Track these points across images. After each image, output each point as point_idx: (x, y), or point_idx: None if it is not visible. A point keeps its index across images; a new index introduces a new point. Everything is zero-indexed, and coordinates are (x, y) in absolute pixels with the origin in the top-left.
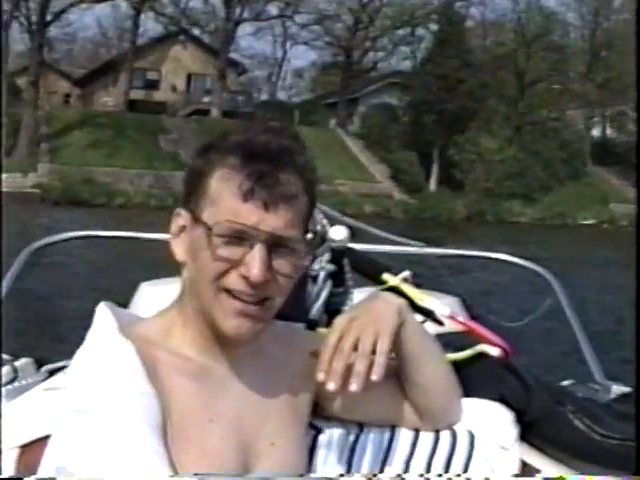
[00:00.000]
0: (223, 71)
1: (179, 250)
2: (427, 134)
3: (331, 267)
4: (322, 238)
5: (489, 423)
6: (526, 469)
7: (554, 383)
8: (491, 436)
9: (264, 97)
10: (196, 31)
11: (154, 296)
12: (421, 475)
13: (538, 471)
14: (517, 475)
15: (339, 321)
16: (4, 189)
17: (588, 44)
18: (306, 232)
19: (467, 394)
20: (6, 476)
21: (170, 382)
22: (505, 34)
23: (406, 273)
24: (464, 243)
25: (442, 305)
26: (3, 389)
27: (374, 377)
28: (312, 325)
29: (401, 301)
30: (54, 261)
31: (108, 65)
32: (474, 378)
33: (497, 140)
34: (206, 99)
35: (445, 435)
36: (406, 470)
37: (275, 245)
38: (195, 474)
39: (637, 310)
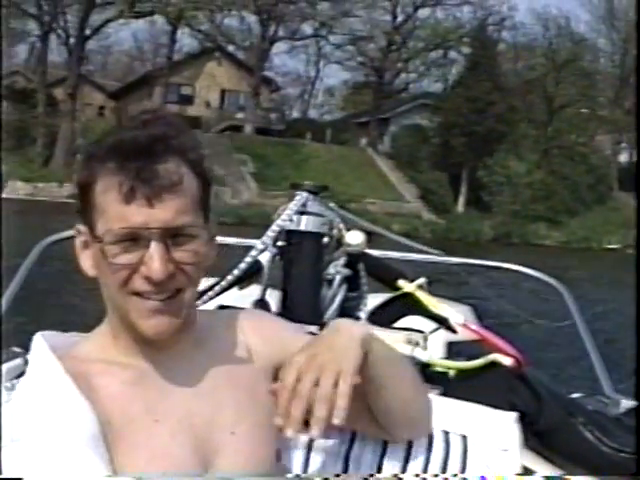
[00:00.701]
0: (257, 88)
1: (87, 265)
2: (456, 156)
3: (346, 271)
4: (338, 242)
5: (493, 429)
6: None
7: (565, 395)
8: (493, 442)
9: (296, 114)
10: (231, 48)
11: None
12: (417, 475)
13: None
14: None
15: (297, 359)
16: (41, 198)
17: (618, 70)
18: (206, 213)
19: (478, 403)
20: (6, 476)
21: (109, 391)
22: (535, 58)
23: (421, 280)
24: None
25: (456, 313)
26: (15, 381)
27: (336, 421)
28: None
29: (364, 329)
30: None
31: (143, 79)
32: (485, 387)
33: (525, 163)
34: (239, 115)
35: (438, 440)
36: (404, 467)
37: (171, 237)
38: (133, 475)
39: (637, 312)
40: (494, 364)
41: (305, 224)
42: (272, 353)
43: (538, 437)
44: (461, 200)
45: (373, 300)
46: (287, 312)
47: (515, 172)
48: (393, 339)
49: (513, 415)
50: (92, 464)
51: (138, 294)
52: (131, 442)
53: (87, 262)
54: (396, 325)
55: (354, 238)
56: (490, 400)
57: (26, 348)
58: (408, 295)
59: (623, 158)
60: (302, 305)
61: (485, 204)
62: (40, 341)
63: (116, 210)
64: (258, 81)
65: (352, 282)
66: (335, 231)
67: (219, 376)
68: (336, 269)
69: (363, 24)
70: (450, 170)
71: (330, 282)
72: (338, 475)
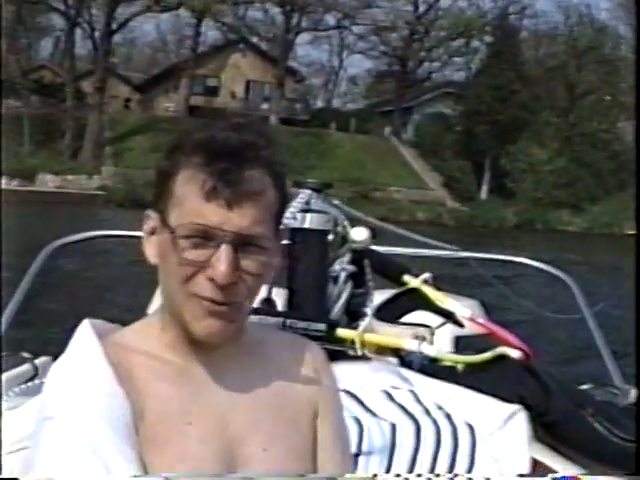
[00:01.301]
0: (281, 79)
1: (150, 252)
2: (480, 144)
3: (352, 268)
4: (343, 239)
5: (501, 422)
6: (540, 469)
7: (574, 386)
8: (502, 434)
9: (320, 104)
10: (254, 39)
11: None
12: (419, 475)
13: (553, 471)
14: (522, 475)
15: None
16: (70, 190)
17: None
18: (278, 228)
19: (486, 396)
20: (6, 476)
21: (146, 385)
22: (557, 46)
23: (427, 275)
24: (513, 250)
25: (462, 307)
26: (23, 386)
27: None
28: (332, 326)
29: None
30: None
31: (169, 71)
32: (494, 380)
33: (547, 151)
34: (264, 106)
35: (446, 434)
36: (411, 469)
37: (242, 244)
38: (165, 476)
39: (637, 311)
40: (502, 357)
41: (309, 222)
42: (317, 396)
43: (547, 429)
44: (484, 187)
45: (379, 296)
46: (293, 310)
47: (537, 159)
48: (400, 334)
49: (521, 407)
50: (122, 451)
51: (197, 295)
52: (162, 441)
53: (151, 249)
54: (403, 320)
55: (359, 234)
56: (498, 393)
57: (34, 353)
58: (414, 290)
59: None
60: (308, 303)
61: (508, 191)
62: (86, 325)
63: (194, 205)
64: (282, 72)
65: (358, 279)
66: (340, 228)
67: (260, 390)
68: (341, 266)
69: (386, 14)
70: (473, 158)
71: (335, 279)
72: (375, 476)
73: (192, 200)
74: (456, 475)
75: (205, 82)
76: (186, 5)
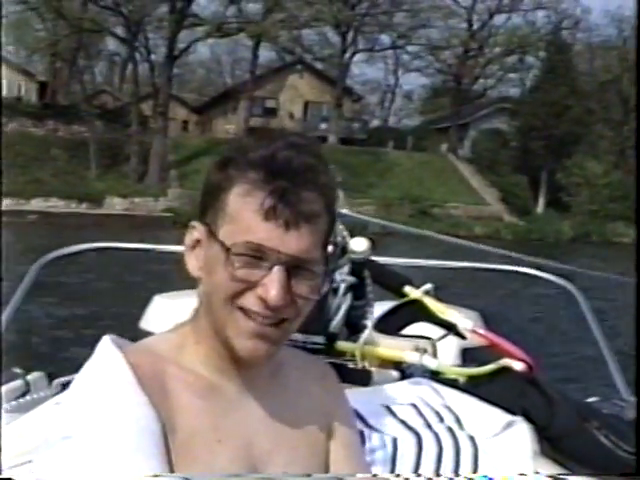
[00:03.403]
0: (339, 99)
1: (193, 264)
2: (535, 159)
3: (352, 279)
4: (342, 250)
5: (504, 435)
6: None
7: (579, 399)
8: (505, 447)
9: (376, 122)
10: (310, 59)
11: (166, 309)
12: (418, 475)
13: None
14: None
15: None
16: (138, 212)
17: None
18: (326, 252)
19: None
20: (6, 476)
21: (178, 398)
22: (611, 59)
23: (428, 286)
24: (570, 262)
25: (464, 319)
26: (15, 402)
27: None
28: (332, 338)
29: None
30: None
31: (227, 93)
32: (496, 393)
33: (603, 164)
34: (323, 126)
35: (448, 448)
36: None
37: (294, 267)
38: (183, 476)
39: (637, 313)
40: (505, 369)
41: None
42: (331, 418)
43: (551, 442)
44: (541, 201)
45: (380, 308)
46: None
47: (593, 173)
48: (400, 347)
49: (523, 419)
50: (151, 469)
51: (244, 310)
52: (193, 457)
53: (194, 262)
54: (404, 333)
55: (358, 245)
56: (501, 406)
57: (26, 369)
58: (415, 302)
59: None
60: (308, 315)
61: (564, 205)
62: (106, 339)
63: (251, 223)
64: (340, 92)
65: (358, 290)
66: (339, 238)
67: (284, 413)
68: (341, 277)
69: (440, 32)
70: (529, 173)
71: (335, 291)
72: (375, 475)
73: (248, 217)
74: (457, 475)
75: (264, 104)
76: (247, 32)
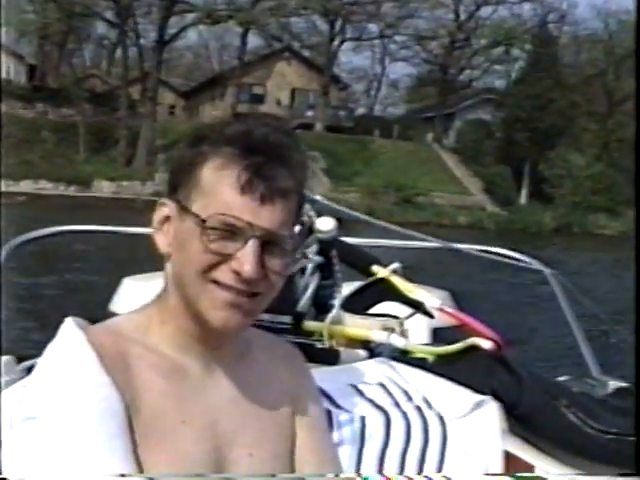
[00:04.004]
0: (326, 87)
1: (162, 241)
2: (519, 150)
3: (319, 259)
4: (309, 229)
5: (473, 413)
6: (513, 461)
7: (547, 378)
8: (473, 426)
9: (362, 110)
10: (298, 46)
11: (135, 291)
12: (381, 473)
13: (526, 464)
14: (488, 474)
15: None
16: (126, 195)
17: None
18: (294, 229)
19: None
20: (6, 476)
21: (142, 378)
22: (596, 52)
23: (396, 265)
24: (551, 252)
25: (432, 298)
26: None
27: None
28: (299, 318)
29: None
30: None
31: (215, 79)
32: (465, 371)
33: (586, 157)
34: (309, 113)
35: (417, 428)
36: (381, 461)
37: (268, 242)
38: (148, 477)
39: (637, 308)
40: (474, 348)
41: None
42: (296, 398)
43: (520, 421)
44: (524, 192)
45: (347, 287)
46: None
47: (575, 165)
48: (368, 326)
49: (492, 398)
50: (112, 448)
51: (217, 283)
52: (157, 439)
53: (164, 239)
54: (371, 312)
55: (325, 224)
56: (470, 384)
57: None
58: (383, 281)
59: None
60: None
61: (547, 196)
62: (69, 321)
63: (227, 197)
64: (327, 80)
65: (325, 270)
66: (306, 218)
67: (250, 394)
68: (308, 257)
69: (427, 23)
70: (513, 164)
71: (302, 270)
72: (337, 475)
73: (224, 191)
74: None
75: (251, 90)
76: (237, 18)
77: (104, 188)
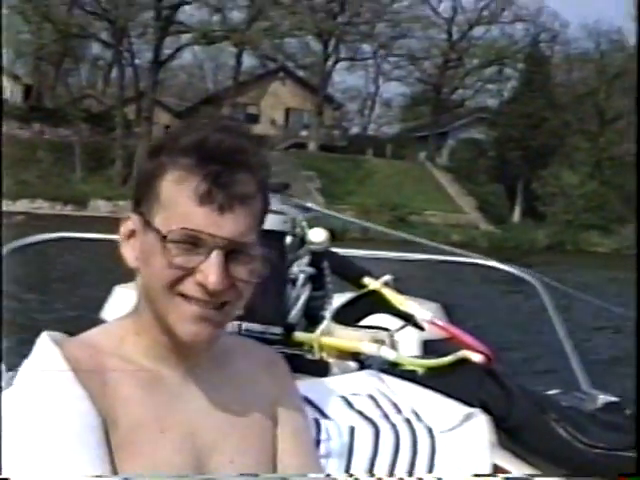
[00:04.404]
0: (320, 107)
1: (129, 256)
2: (512, 169)
3: (310, 270)
4: (301, 240)
5: (462, 427)
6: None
7: (537, 391)
8: (462, 439)
9: (355, 130)
10: (292, 66)
11: (127, 299)
12: (372, 475)
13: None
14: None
15: None
16: (121, 215)
17: None
18: (259, 234)
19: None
20: (6, 476)
21: (119, 391)
22: (588, 71)
23: (387, 277)
24: (543, 270)
25: (423, 310)
26: None
27: None
28: (289, 329)
29: None
30: None
31: (209, 99)
32: (455, 384)
33: (578, 175)
34: (304, 133)
35: (405, 440)
36: (371, 471)
37: (232, 251)
38: (124, 477)
39: (637, 312)
40: (464, 361)
41: (266, 223)
42: (279, 405)
43: (509, 434)
44: (517, 211)
45: (338, 299)
46: (249, 313)
47: (568, 183)
48: (359, 338)
49: (481, 410)
50: (91, 462)
51: (184, 296)
52: (136, 450)
53: (130, 253)
54: (362, 324)
55: (317, 236)
56: (460, 397)
57: None
58: (374, 293)
59: None
60: (265, 306)
61: (539, 214)
62: (43, 336)
63: (186, 209)
64: (321, 100)
65: (316, 281)
66: (298, 229)
67: (230, 400)
68: (300, 268)
69: (420, 43)
70: (506, 182)
71: (294, 282)
72: (329, 475)
73: (183, 203)
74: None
75: (245, 110)
76: (231, 39)
77: (101, 207)
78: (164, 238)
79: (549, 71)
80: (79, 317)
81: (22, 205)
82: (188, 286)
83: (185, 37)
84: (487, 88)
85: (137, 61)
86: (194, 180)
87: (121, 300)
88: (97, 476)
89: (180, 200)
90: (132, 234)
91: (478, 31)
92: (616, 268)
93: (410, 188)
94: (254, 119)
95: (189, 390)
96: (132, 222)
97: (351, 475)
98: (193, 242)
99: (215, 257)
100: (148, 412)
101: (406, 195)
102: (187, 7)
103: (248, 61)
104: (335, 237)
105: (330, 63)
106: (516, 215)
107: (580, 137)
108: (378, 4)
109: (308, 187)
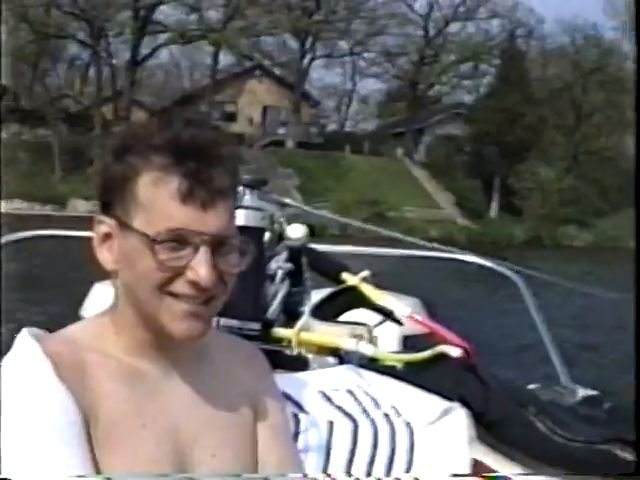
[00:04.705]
0: (298, 104)
1: (107, 258)
2: (489, 164)
3: (288, 266)
4: (280, 236)
5: (441, 422)
6: (481, 469)
7: (516, 385)
8: (442, 434)
9: (333, 127)
10: (269, 64)
11: (106, 295)
12: (349, 475)
13: (494, 471)
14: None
15: None
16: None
17: None
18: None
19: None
20: (6, 476)
21: (100, 386)
22: (564, 65)
23: (366, 272)
24: (521, 264)
25: (402, 305)
26: None
27: None
28: (268, 325)
29: None
30: None
31: (186, 98)
32: (434, 379)
33: (554, 169)
34: (281, 130)
35: (384, 436)
36: (350, 466)
37: (217, 245)
38: (106, 477)
39: (636, 314)
40: (443, 356)
41: (243, 219)
42: (258, 400)
43: (488, 429)
44: (494, 206)
45: (317, 295)
46: (228, 309)
47: (545, 178)
48: (337, 333)
49: (462, 406)
50: (72, 457)
51: (174, 295)
52: (117, 443)
53: (107, 256)
54: (341, 319)
55: (295, 232)
56: (439, 392)
57: None
58: (352, 288)
59: None
60: (244, 302)
61: (516, 209)
62: (24, 332)
63: (169, 210)
64: (298, 97)
65: (295, 277)
66: (276, 225)
67: (212, 394)
68: (278, 264)
69: (396, 40)
70: (483, 177)
71: (272, 277)
72: (306, 475)
73: (165, 204)
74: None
75: (223, 108)
76: (208, 38)
77: (79, 207)
78: (151, 240)
79: (525, 66)
80: (62, 315)
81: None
82: (179, 285)
83: (162, 36)
84: (463, 84)
85: (114, 61)
86: (174, 179)
87: (101, 297)
88: (79, 476)
89: (161, 200)
90: (107, 237)
91: (454, 27)
92: (592, 262)
93: (387, 184)
94: (232, 117)
95: (170, 385)
96: (107, 226)
97: (329, 475)
98: (180, 241)
99: (204, 253)
100: (129, 407)
101: (384, 191)
102: (164, 7)
103: (225, 60)
104: (314, 233)
105: (307, 61)
106: (493, 210)
107: (556, 132)
108: (353, 1)
109: (286, 184)
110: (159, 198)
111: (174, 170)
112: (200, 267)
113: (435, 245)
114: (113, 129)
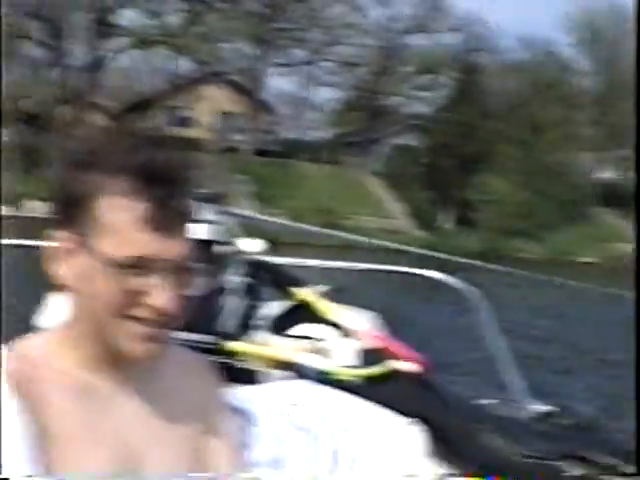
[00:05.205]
0: (254, 111)
1: (65, 274)
2: (445, 175)
3: (245, 280)
4: (236, 250)
5: (397, 439)
6: None
7: (472, 401)
8: (398, 451)
9: (290, 135)
10: (226, 69)
11: (59, 307)
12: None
13: None
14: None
15: None
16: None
17: (600, 89)
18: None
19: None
20: (6, 476)
21: (53, 402)
22: (522, 80)
23: (321, 287)
24: (475, 276)
25: (357, 320)
26: None
27: None
28: (224, 338)
29: None
30: None
31: (144, 102)
32: (390, 394)
33: (509, 182)
34: (238, 137)
35: (336, 447)
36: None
37: (178, 269)
38: (55, 477)
39: (637, 314)
40: (397, 371)
41: (198, 233)
42: (209, 414)
43: (444, 444)
44: (448, 217)
45: (273, 309)
46: (185, 324)
47: (499, 190)
48: (292, 347)
49: (417, 421)
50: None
51: (133, 318)
52: (70, 460)
53: (65, 271)
54: (296, 333)
55: (252, 246)
56: (395, 407)
57: None
58: (308, 303)
59: (605, 175)
60: (200, 315)
61: (471, 221)
62: None
63: (134, 235)
64: (255, 105)
65: (251, 290)
66: (233, 239)
67: (161, 411)
68: (234, 277)
69: (353, 50)
70: (438, 189)
71: (229, 291)
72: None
73: (129, 229)
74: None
75: (180, 113)
76: (168, 44)
77: (36, 208)
78: (112, 264)
79: (482, 80)
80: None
81: None
82: (139, 309)
83: (122, 40)
84: (420, 95)
85: (73, 62)
86: (139, 206)
87: (55, 308)
88: (29, 476)
89: (127, 226)
90: (68, 253)
91: (412, 39)
92: (546, 274)
93: (343, 193)
94: (188, 123)
95: (121, 400)
96: (66, 242)
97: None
98: (142, 267)
99: (165, 279)
100: (81, 422)
101: (338, 200)
102: (126, 11)
103: (184, 65)
104: (272, 241)
105: (264, 68)
106: (448, 221)
107: (511, 145)
108: (311, 11)
109: (242, 191)
110: (124, 224)
111: (140, 196)
112: (162, 293)
113: (389, 244)
114: (72, 131)
